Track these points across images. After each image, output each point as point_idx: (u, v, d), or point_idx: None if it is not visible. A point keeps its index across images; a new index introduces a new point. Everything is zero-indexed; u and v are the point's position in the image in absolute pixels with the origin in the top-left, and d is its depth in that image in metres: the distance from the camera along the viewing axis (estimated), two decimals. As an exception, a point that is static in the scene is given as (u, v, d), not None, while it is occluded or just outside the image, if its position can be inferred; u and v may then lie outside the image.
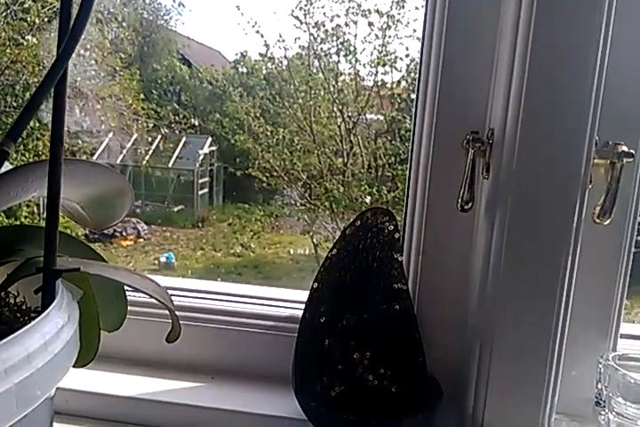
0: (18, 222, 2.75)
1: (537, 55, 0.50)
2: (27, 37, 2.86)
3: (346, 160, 3.25)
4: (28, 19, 2.86)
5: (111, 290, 0.53)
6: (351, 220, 0.61)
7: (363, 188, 3.16)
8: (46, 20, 2.89)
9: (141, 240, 3.60)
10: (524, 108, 0.51)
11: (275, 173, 3.38)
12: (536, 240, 0.53)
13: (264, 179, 3.42)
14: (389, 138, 3.22)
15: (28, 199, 0.50)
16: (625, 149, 0.54)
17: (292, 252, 3.63)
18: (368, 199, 3.12)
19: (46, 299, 0.41)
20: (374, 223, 0.61)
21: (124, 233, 3.48)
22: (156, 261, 3.44)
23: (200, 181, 3.91)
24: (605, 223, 0.56)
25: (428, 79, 0.60)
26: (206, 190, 4.00)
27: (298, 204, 3.46)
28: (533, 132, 0.51)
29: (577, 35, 0.49)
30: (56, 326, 0.38)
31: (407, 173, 0.66)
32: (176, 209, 3.94)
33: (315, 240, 3.40)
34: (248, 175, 3.50)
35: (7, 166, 0.43)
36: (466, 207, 0.57)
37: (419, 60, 0.63)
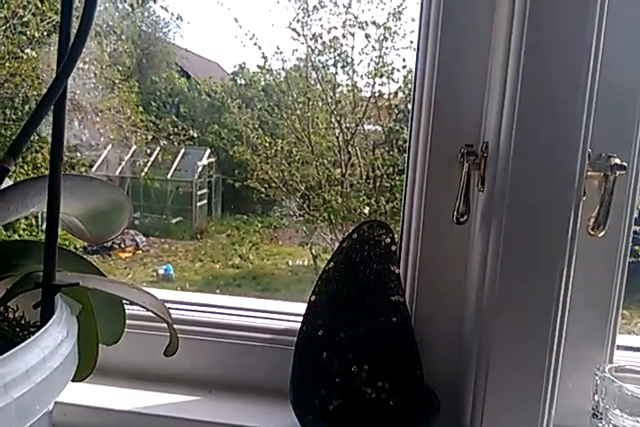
0: (16, 235, 2.75)
1: (529, 68, 0.51)
2: (26, 51, 2.89)
3: (344, 171, 3.25)
4: (28, 32, 2.89)
5: (109, 304, 0.54)
6: (350, 231, 0.62)
7: (361, 198, 3.16)
8: (45, 33, 2.92)
9: (140, 252, 3.59)
10: (517, 121, 0.52)
11: (273, 185, 3.39)
12: (531, 252, 0.53)
13: (262, 190, 3.42)
14: (387, 148, 3.23)
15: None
16: (618, 161, 0.55)
17: (290, 263, 3.62)
18: (367, 210, 3.13)
19: (45, 313, 0.41)
20: (371, 236, 0.61)
21: (122, 245, 3.48)
22: (155, 273, 3.43)
23: (199, 192, 3.92)
24: (600, 235, 0.56)
25: (422, 93, 0.61)
26: (205, 202, 4.00)
27: (296, 215, 3.46)
28: (527, 146, 0.52)
29: (569, 47, 0.50)
30: (55, 340, 0.38)
31: (404, 185, 0.66)
32: (174, 221, 3.93)
33: (313, 251, 3.40)
34: (246, 186, 3.51)
35: (7, 182, 0.44)
36: (461, 220, 0.58)
37: (414, 72, 0.64)
